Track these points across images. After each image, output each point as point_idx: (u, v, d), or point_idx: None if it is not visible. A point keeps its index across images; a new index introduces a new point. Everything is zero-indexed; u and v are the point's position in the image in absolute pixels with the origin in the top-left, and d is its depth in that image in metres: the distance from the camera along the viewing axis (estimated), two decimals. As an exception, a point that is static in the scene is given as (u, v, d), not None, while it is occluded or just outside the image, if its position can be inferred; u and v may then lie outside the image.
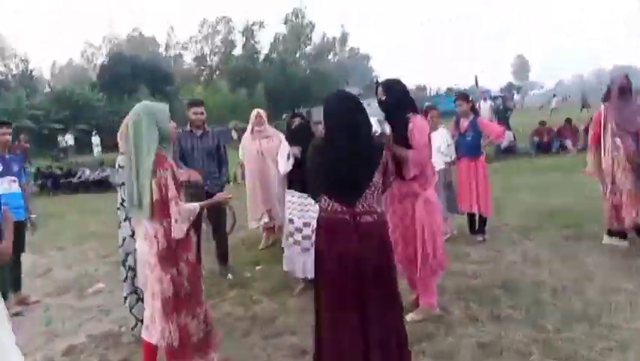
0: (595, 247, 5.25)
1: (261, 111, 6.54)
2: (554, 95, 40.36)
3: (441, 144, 5.88)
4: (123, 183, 3.69)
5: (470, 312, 3.98)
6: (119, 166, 3.87)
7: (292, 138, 4.81)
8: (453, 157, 6.03)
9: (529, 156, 13.54)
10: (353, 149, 2.81)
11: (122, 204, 3.87)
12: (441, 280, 4.31)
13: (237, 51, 66.44)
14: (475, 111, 6.15)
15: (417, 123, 3.78)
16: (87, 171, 17.09)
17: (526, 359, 3.19)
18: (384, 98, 3.92)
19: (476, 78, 28.02)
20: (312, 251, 4.57)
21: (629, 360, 3.06)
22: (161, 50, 71.12)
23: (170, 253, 2.97)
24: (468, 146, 5.90)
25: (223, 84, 49.70)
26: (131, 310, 3.97)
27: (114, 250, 6.59)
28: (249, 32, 65.45)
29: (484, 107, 18.43)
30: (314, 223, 4.29)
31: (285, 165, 4.75)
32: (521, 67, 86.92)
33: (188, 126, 5.51)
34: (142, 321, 3.47)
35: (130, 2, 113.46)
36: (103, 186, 17.39)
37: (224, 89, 48.89)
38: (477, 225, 6.02)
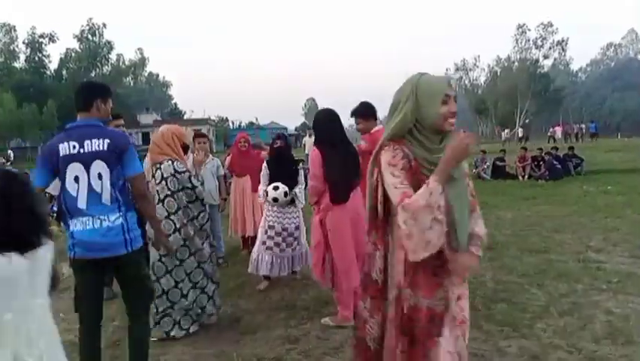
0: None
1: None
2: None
3: None
4: (182, 188, 3.95)
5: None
6: (178, 172, 3.95)
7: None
8: None
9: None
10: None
11: (175, 212, 3.97)
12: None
13: (19, 63, 59.45)
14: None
15: (311, 155, 4.29)
16: None
17: (480, 329, 4.03)
18: None
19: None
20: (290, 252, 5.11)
21: (542, 325, 4.16)
22: None
23: None
24: None
25: (7, 98, 43.94)
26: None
27: None
28: (35, 44, 59.16)
29: (309, 141, 20.28)
30: (290, 228, 4.87)
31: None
32: (312, 109, 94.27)
33: None
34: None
35: None
36: None
37: (9, 103, 43.29)
38: None
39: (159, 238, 3.46)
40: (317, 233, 4.22)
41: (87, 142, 2.93)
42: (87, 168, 2.92)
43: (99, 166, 2.93)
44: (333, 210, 4.13)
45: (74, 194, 2.95)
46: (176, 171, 3.95)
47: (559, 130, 39.88)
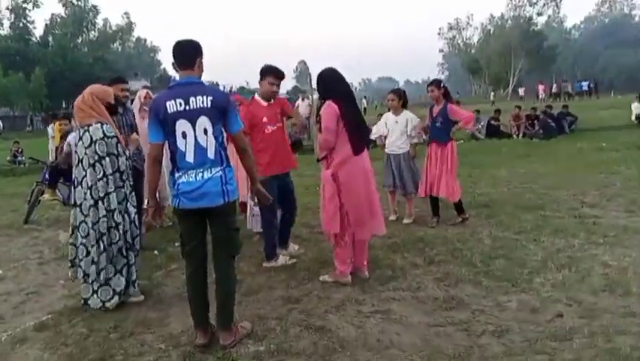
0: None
1: (149, 91, 6.53)
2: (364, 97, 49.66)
3: (408, 126, 6.20)
4: (109, 154, 3.83)
5: (409, 260, 4.82)
6: (107, 136, 3.83)
7: None
8: (420, 139, 6.39)
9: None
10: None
11: (101, 179, 3.84)
12: (372, 240, 5.11)
13: (4, 30, 58.01)
14: (447, 97, 6.12)
15: (324, 109, 4.21)
16: None
17: (480, 285, 4.11)
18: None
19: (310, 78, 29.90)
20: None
21: (541, 279, 4.21)
22: None
23: None
24: (437, 131, 6.04)
25: (-7, 66, 43.02)
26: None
27: None
28: (19, 10, 57.58)
29: (303, 105, 20.00)
30: None
31: None
32: (304, 73, 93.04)
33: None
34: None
35: None
36: None
37: (-5, 72, 42.43)
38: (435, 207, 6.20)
39: (256, 189, 3.54)
40: (330, 187, 4.23)
41: (192, 99, 3.09)
42: (193, 124, 3.09)
43: (204, 122, 3.10)
44: (348, 164, 4.22)
45: (183, 149, 3.13)
46: (105, 134, 3.81)
47: (541, 89, 40.55)
